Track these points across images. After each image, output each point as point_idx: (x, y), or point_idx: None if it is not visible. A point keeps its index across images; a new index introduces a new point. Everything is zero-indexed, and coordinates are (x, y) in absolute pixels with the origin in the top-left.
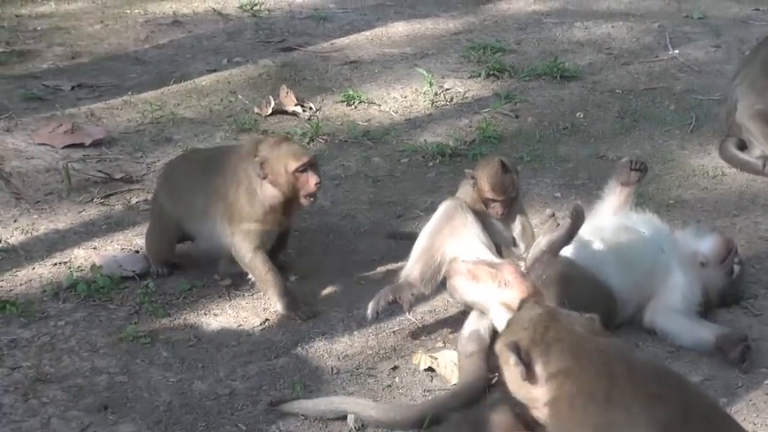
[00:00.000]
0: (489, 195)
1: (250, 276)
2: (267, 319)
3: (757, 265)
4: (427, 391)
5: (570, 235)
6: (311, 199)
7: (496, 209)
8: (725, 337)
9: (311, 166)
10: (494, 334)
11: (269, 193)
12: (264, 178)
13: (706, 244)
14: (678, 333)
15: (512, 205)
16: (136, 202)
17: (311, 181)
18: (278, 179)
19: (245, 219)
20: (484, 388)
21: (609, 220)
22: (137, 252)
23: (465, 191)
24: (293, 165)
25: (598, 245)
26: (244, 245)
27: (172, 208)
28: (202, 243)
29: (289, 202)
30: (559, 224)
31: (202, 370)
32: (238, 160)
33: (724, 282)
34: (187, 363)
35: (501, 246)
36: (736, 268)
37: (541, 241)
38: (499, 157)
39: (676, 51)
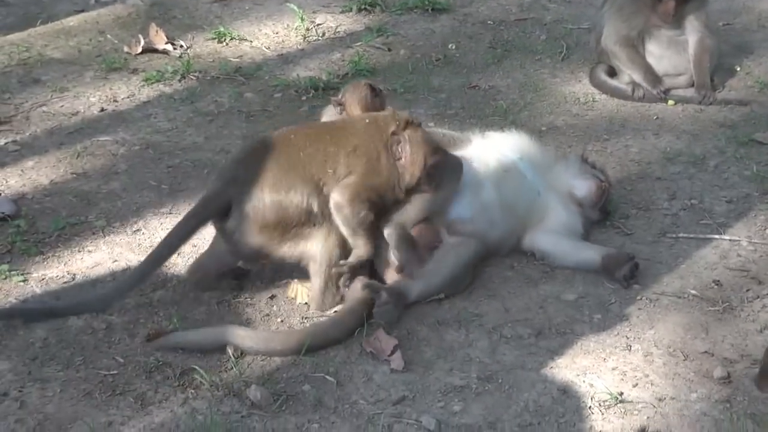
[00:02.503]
0: None
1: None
2: None
3: (629, 187)
4: (305, 318)
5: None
6: None
7: None
8: (611, 257)
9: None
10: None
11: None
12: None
13: (581, 189)
14: (562, 254)
15: None
16: (5, 144)
17: None
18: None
19: None
20: (364, 315)
21: (492, 156)
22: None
23: (329, 117)
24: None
25: (484, 189)
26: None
27: None
28: None
29: None
30: None
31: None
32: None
33: (597, 217)
34: (62, 300)
35: None
36: None
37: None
38: (365, 81)
39: None
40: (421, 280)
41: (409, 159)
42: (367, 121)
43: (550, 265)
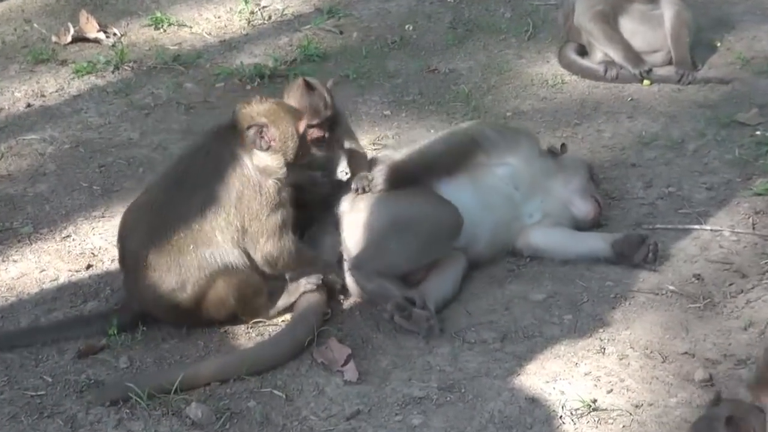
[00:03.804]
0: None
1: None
2: (90, 265)
3: (601, 175)
4: (251, 327)
5: None
6: None
7: (315, 135)
8: (623, 241)
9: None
10: None
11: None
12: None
13: (579, 209)
14: (565, 247)
15: (335, 130)
16: None
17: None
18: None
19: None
20: (314, 324)
21: (488, 177)
22: None
23: None
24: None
25: (474, 210)
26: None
27: None
28: None
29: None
30: None
31: (1, 321)
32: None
33: (591, 227)
34: None
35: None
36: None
37: None
38: (300, 77)
39: None
40: (430, 294)
41: (279, 138)
42: (215, 140)
43: (553, 260)
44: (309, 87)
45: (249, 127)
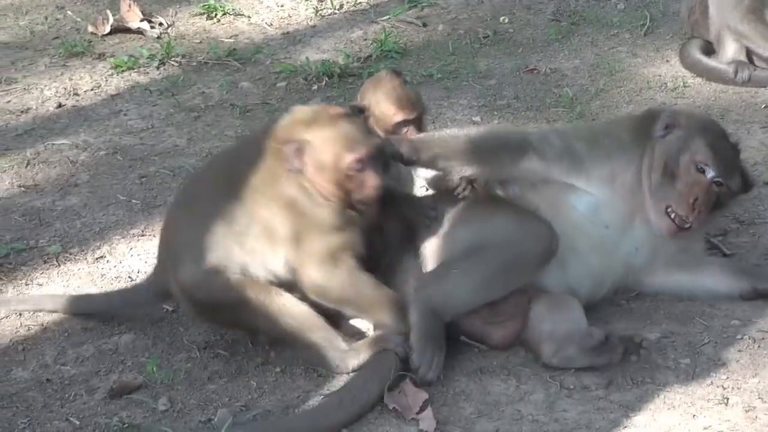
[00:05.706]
0: (399, 117)
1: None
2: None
3: None
4: (310, 368)
5: None
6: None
7: (410, 135)
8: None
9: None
10: None
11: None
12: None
13: (656, 226)
14: (695, 286)
15: (422, 127)
16: None
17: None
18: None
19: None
20: (391, 369)
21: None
22: None
23: None
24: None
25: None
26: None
27: None
28: None
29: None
30: None
31: (23, 354)
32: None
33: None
34: (4, 346)
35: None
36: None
37: None
38: (385, 70)
39: None
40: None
41: (313, 163)
42: (258, 143)
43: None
44: (402, 78)
45: (286, 142)
